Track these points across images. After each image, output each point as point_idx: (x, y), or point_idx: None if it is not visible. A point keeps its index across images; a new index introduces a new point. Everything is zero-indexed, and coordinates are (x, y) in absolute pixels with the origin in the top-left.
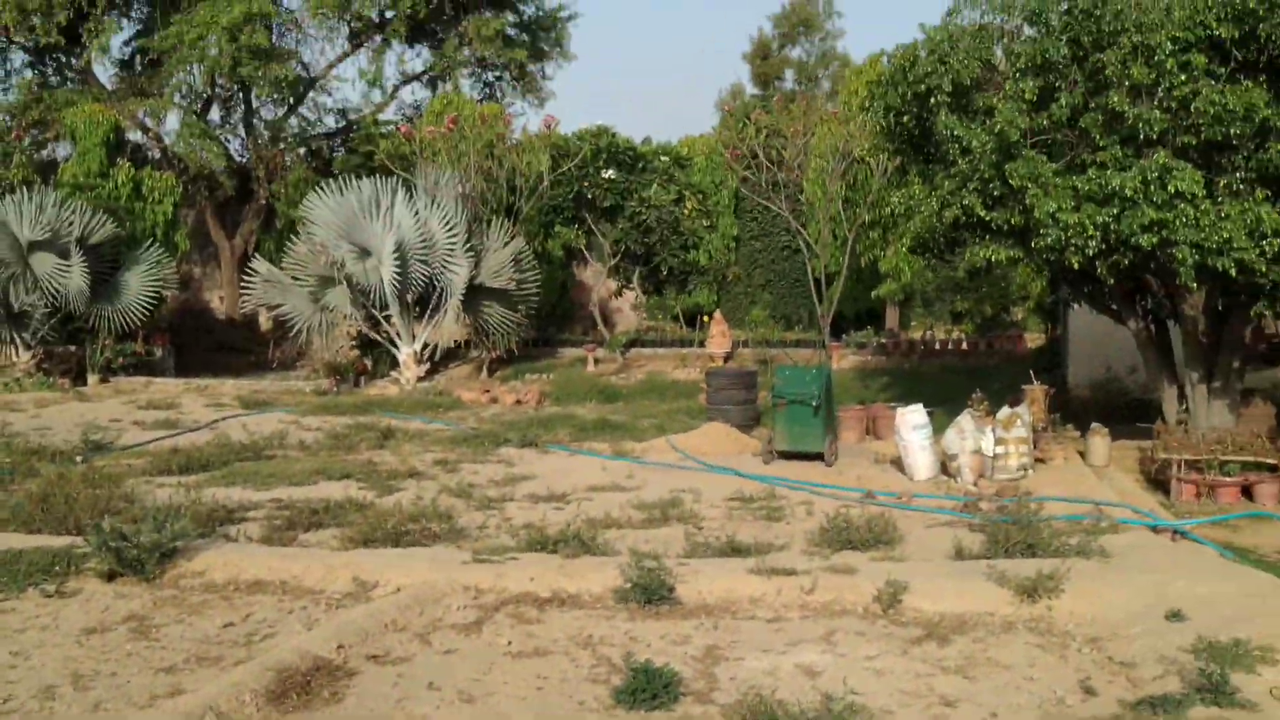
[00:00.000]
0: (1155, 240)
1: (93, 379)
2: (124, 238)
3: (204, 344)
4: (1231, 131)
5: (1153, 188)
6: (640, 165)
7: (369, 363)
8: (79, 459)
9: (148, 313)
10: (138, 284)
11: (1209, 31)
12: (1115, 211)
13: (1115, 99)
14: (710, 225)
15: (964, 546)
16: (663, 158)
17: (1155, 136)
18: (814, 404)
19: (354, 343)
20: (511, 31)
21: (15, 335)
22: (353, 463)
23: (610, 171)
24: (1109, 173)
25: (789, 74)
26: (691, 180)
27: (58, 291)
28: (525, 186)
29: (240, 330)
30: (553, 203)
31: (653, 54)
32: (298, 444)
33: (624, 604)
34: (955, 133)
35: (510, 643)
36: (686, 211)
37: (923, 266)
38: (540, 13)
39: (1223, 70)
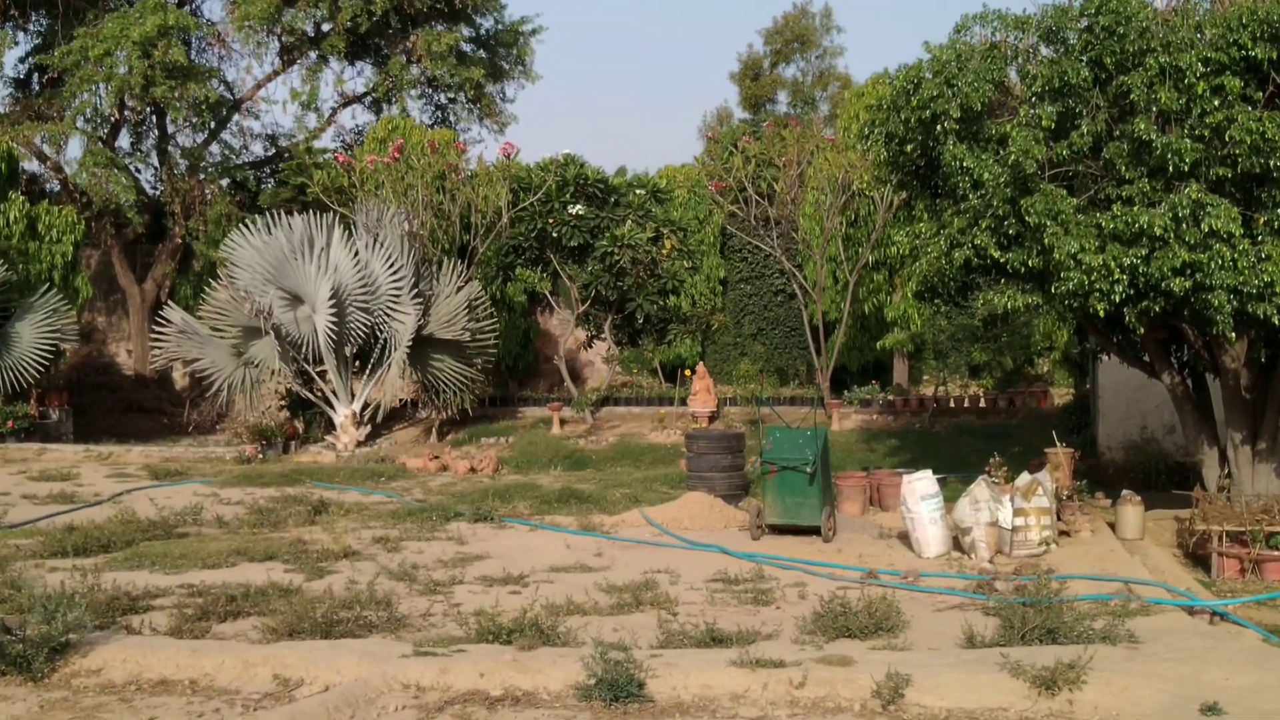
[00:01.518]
0: (1188, 285)
1: None
2: (15, 283)
3: (109, 404)
4: (1271, 164)
5: (1185, 226)
6: (613, 199)
7: (300, 425)
8: None
9: (42, 368)
10: (31, 335)
11: (1244, 52)
12: (1144, 252)
13: (1142, 126)
14: (693, 267)
15: (976, 632)
16: (638, 190)
17: (1187, 169)
18: (809, 471)
19: (283, 402)
20: (467, 48)
21: None
22: (278, 541)
23: (578, 206)
24: (1136, 209)
25: (782, 96)
26: (671, 216)
27: None
28: (481, 223)
29: (151, 389)
30: (513, 242)
31: (628, 73)
32: (215, 520)
33: (587, 702)
34: (964, 164)
35: None
36: (665, 251)
37: (933, 314)
38: (500, 26)
39: (1260, 95)
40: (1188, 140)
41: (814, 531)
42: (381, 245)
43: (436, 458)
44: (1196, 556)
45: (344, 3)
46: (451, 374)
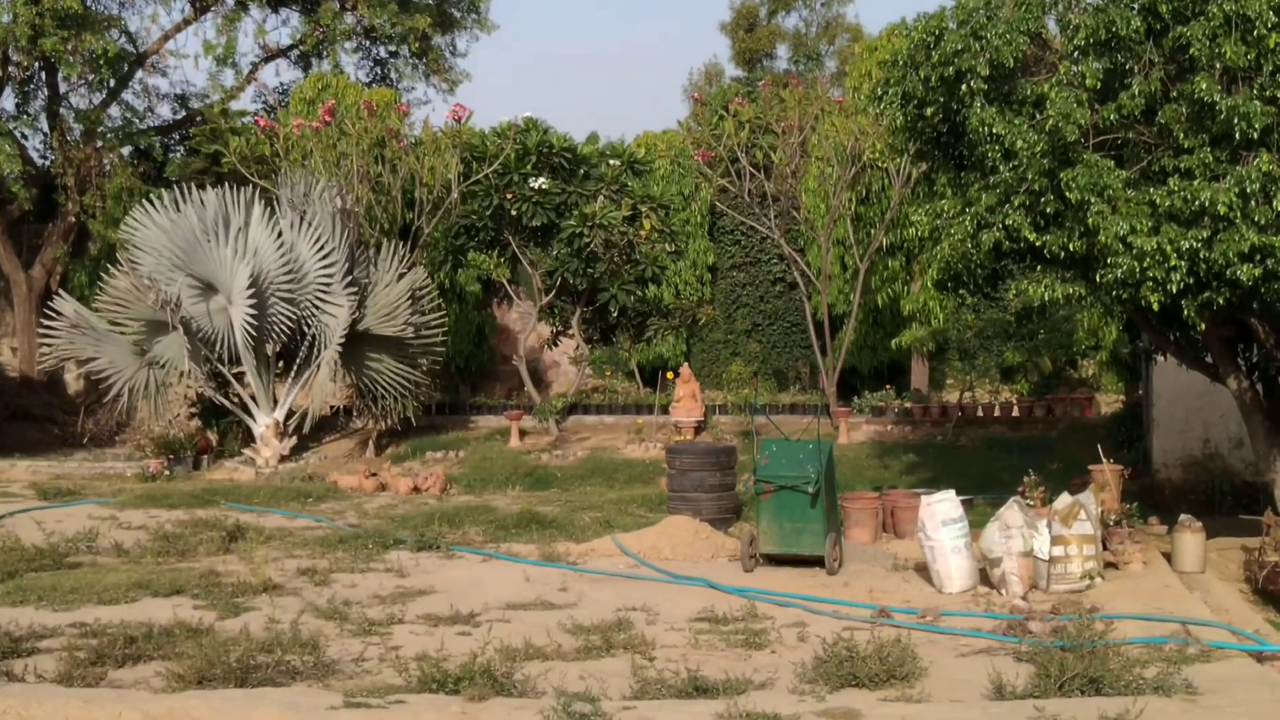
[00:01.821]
0: (1258, 272)
1: None
2: None
3: None
4: None
5: (1254, 203)
6: (582, 171)
7: (214, 437)
8: None
9: None
10: None
11: None
12: (1205, 234)
13: (1203, 86)
14: (676, 251)
15: (1006, 681)
16: (612, 161)
17: (1256, 136)
18: (811, 491)
19: (194, 410)
20: None
21: None
22: (187, 573)
23: (542, 179)
24: (1196, 184)
25: (781, 50)
26: (651, 191)
27: None
28: (427, 199)
29: (39, 393)
30: (465, 221)
31: (600, 23)
32: (113, 548)
33: None
34: (994, 130)
35: None
36: (644, 232)
37: (957, 306)
38: None
39: None
40: (1257, 103)
41: (817, 562)
42: (310, 225)
43: (374, 475)
44: (1267, 593)
45: None
46: (392, 376)
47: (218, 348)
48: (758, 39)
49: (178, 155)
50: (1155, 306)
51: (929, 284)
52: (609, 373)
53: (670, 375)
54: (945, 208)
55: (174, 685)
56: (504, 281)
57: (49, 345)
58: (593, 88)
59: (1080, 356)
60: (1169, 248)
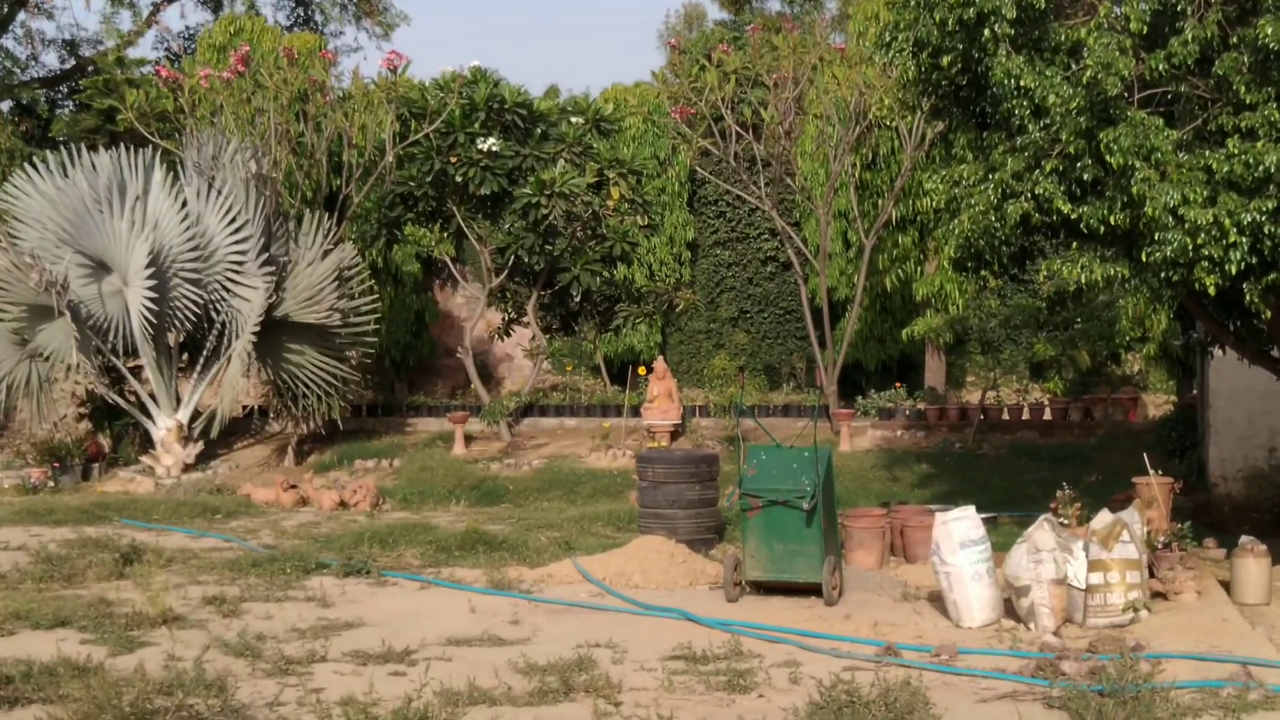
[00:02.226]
0: None
1: None
2: None
3: None
4: None
5: None
6: (539, 130)
7: (106, 441)
8: None
9: None
10: None
11: None
12: (1271, 205)
13: (1269, 31)
14: (650, 225)
15: None
16: (575, 119)
17: None
18: (806, 506)
19: (83, 410)
20: None
21: None
22: (74, 602)
23: (492, 140)
24: (1260, 145)
25: None
26: (620, 154)
27: None
28: (358, 163)
29: None
30: (401, 189)
31: None
32: None
33: None
34: (1022, 83)
35: None
36: (612, 203)
37: (979, 290)
38: None
39: None
40: None
41: (813, 591)
42: (219, 193)
43: (293, 487)
44: None
45: None
46: (315, 371)
47: (111, 337)
48: None
49: (65, 111)
50: (1211, 290)
51: (946, 264)
52: (570, 368)
53: (642, 371)
54: (965, 174)
55: None
56: (447, 260)
57: None
58: (553, 33)
59: (1123, 350)
60: (1227, 221)
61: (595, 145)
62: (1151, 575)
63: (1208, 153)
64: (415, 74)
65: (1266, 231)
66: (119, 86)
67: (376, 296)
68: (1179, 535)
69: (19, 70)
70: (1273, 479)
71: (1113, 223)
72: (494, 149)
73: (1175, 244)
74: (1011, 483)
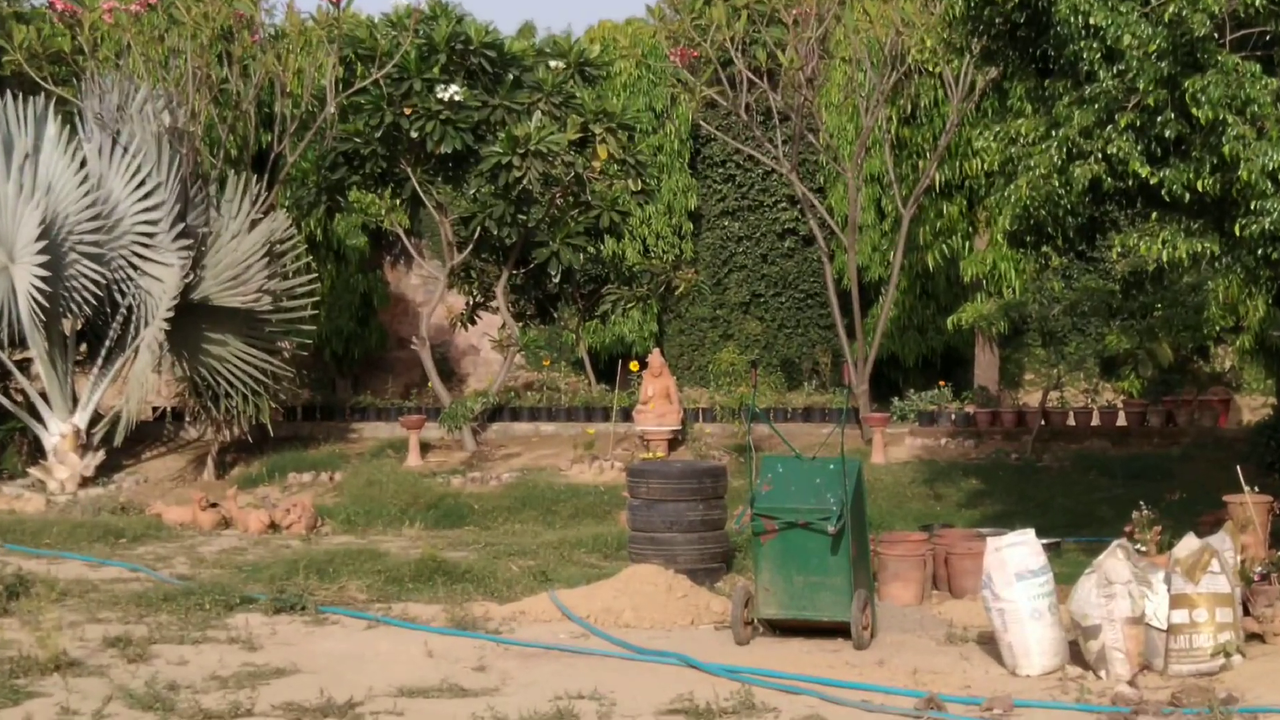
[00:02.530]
0: None
1: None
2: None
3: None
4: None
5: None
6: (512, 77)
7: None
8: None
9: None
10: None
11: None
12: None
13: None
14: (644, 191)
15: None
16: (554, 63)
17: None
18: (832, 529)
19: None
20: None
21: None
22: None
23: (455, 88)
24: None
25: None
26: (609, 106)
27: None
28: (293, 115)
29: None
30: (345, 147)
31: None
32: None
33: None
34: (1092, 21)
35: None
36: (599, 164)
37: (1039, 270)
38: None
39: None
40: None
41: (839, 631)
42: (125, 151)
43: (214, 506)
44: None
45: None
46: (240, 366)
47: None
48: None
49: None
50: None
51: (999, 238)
52: (548, 362)
53: (635, 367)
54: (1023, 130)
55: None
56: (400, 232)
57: None
58: None
59: (1212, 342)
60: None
61: (579, 95)
62: (1246, 613)
63: None
64: (362, 8)
65: None
66: (5, 22)
67: (315, 276)
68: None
69: None
70: None
71: (1200, 189)
72: (456, 99)
73: (1275, 214)
74: (1078, 501)
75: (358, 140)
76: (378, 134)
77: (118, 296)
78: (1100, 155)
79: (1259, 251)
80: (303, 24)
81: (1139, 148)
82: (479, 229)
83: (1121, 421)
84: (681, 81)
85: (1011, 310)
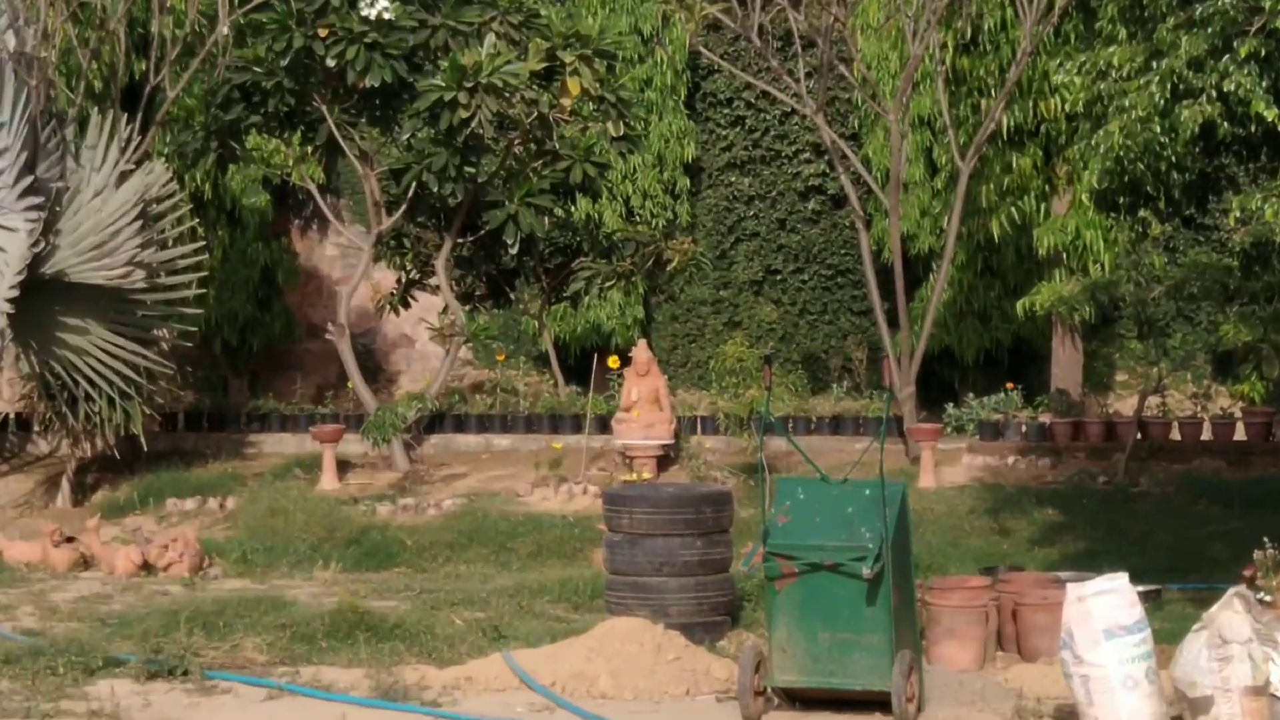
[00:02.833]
0: None
1: None
2: None
3: None
4: None
5: None
6: None
7: None
8: None
9: None
10: None
11: None
12: None
13: None
14: (627, 136)
15: None
16: None
17: None
18: (867, 573)
19: None
20: None
21: None
22: None
23: (383, 3)
24: None
25: None
26: (582, 29)
27: None
28: (174, 39)
29: None
30: (241, 79)
31: None
32: None
33: None
34: None
35: None
36: (569, 102)
37: (1135, 240)
38: None
39: None
40: None
41: (877, 703)
42: None
43: (70, 540)
44: None
45: None
46: (104, 360)
47: None
48: None
49: None
50: None
51: (1085, 199)
52: (504, 357)
53: (615, 363)
54: (1116, 60)
55: None
56: (312, 189)
57: None
58: None
59: None
60: None
61: (544, 12)
62: None
63: None
64: None
65: None
66: None
67: (203, 244)
68: None
69: None
70: None
71: None
72: (386, 16)
73: None
74: (1184, 538)
75: (258, 70)
76: (283, 62)
77: None
78: (1214, 93)
79: None
80: None
81: (1264, 84)
82: (414, 185)
83: (1240, 435)
84: None
85: (1100, 292)
